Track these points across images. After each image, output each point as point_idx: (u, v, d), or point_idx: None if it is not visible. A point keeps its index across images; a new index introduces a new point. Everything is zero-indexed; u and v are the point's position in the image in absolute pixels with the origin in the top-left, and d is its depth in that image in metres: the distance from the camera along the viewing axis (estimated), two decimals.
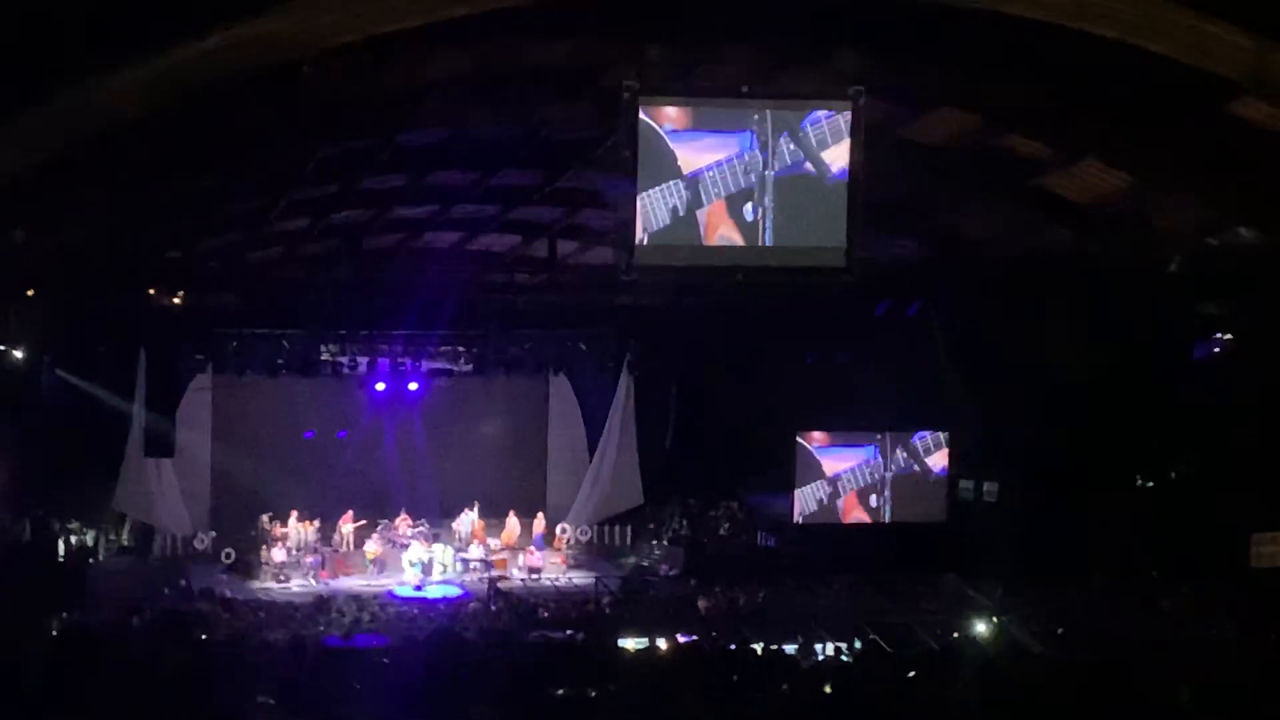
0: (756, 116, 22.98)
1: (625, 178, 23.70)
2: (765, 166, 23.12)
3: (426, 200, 33.30)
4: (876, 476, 33.60)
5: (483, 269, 37.17)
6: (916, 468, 33.62)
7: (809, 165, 23.34)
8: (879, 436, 33.59)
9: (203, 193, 28.69)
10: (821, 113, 23.04)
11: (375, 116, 26.79)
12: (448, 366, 37.19)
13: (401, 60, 23.03)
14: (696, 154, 22.67)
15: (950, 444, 33.38)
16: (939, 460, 33.74)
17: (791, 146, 23.25)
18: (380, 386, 36.60)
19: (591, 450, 38.21)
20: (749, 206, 22.93)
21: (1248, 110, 23.97)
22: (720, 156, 22.89)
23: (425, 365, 36.66)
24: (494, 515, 35.96)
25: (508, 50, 24.30)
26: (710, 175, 22.95)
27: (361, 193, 31.79)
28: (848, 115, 23.07)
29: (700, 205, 22.81)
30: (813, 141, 23.23)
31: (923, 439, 33.64)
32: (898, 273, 31.37)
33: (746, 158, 23.01)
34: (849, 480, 33.46)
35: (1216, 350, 30.92)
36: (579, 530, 37.42)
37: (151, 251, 32.38)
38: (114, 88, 19.73)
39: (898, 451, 33.57)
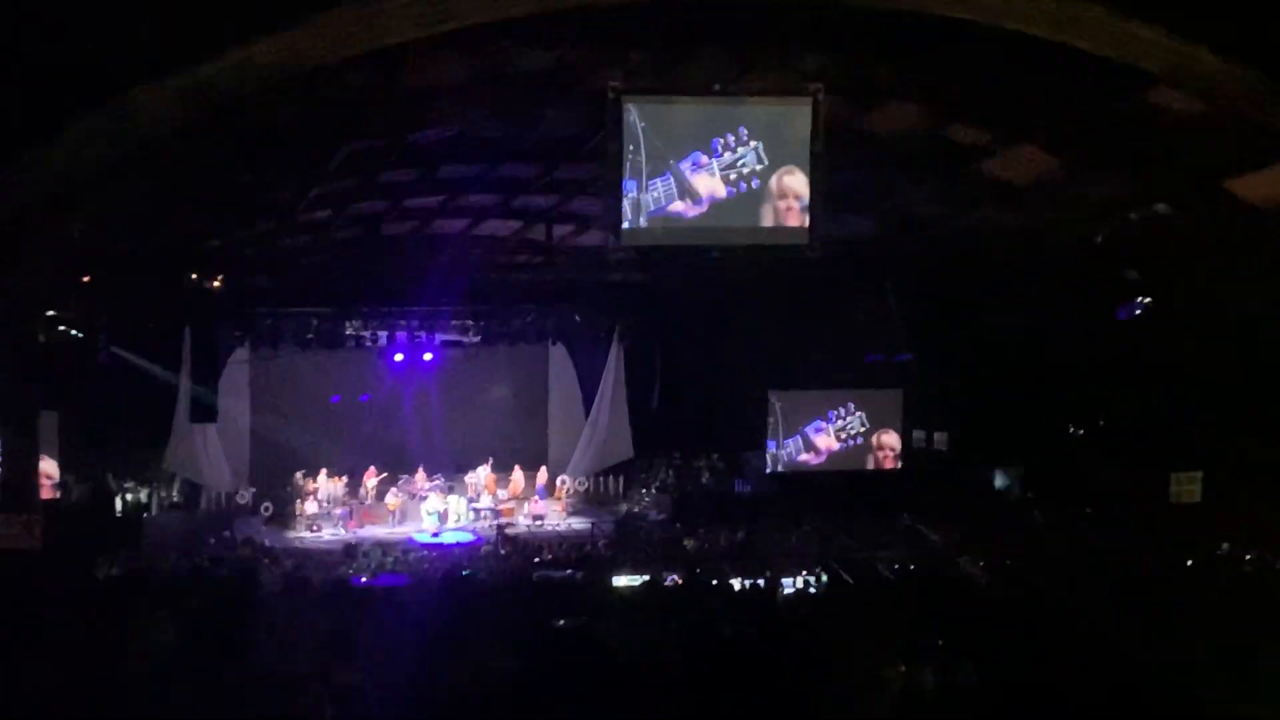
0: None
1: (611, 168, 23.79)
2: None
3: (436, 191, 33.16)
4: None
5: (487, 251, 37.03)
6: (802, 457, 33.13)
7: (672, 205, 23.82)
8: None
9: (238, 189, 28.65)
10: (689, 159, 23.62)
11: (388, 119, 26.73)
12: (458, 338, 37.20)
13: (409, 68, 22.99)
14: None
15: (904, 400, 33.28)
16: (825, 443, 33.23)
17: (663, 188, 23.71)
18: (398, 357, 36.61)
19: (587, 410, 38.30)
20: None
21: (1164, 98, 24.01)
22: None
23: (438, 337, 36.67)
24: (501, 469, 36.04)
25: (502, 58, 24.25)
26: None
27: (378, 185, 31.68)
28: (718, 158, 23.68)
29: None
30: (686, 178, 23.68)
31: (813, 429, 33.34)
32: (855, 248, 31.34)
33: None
34: None
35: (1138, 312, 30.97)
36: (577, 481, 37.53)
37: (194, 241, 32.34)
38: (149, 102, 19.74)
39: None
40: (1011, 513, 31.73)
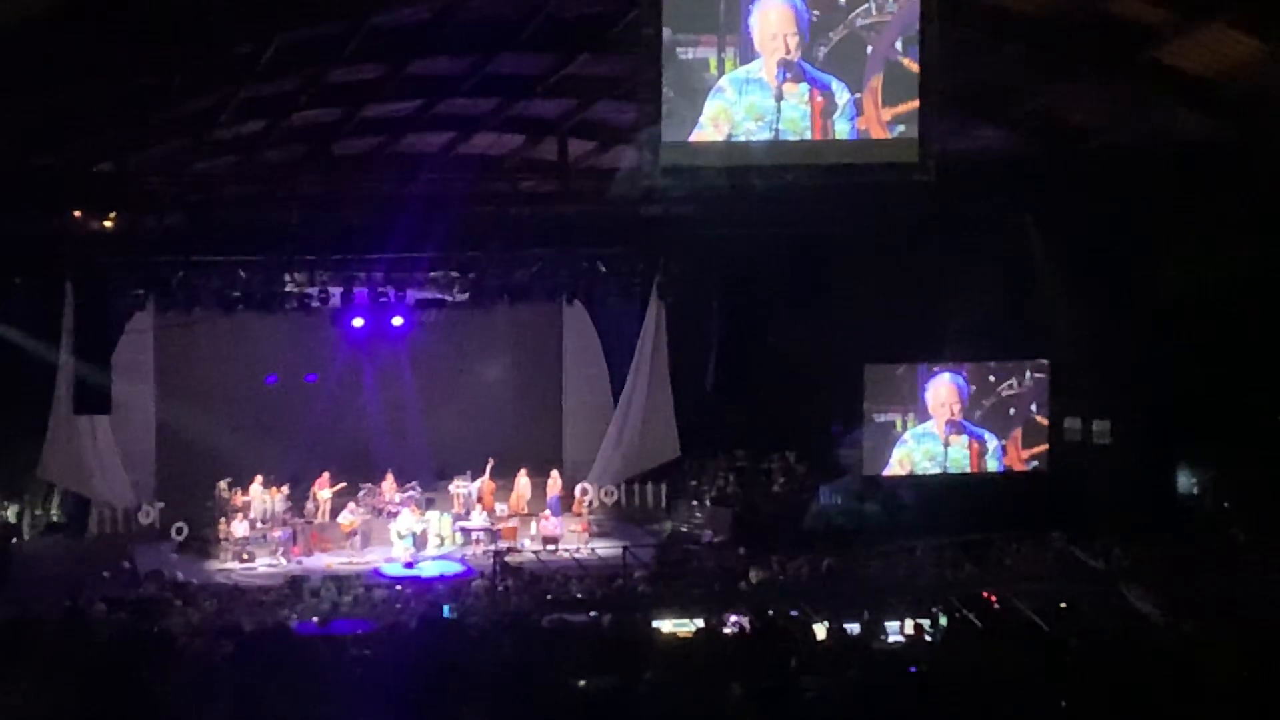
0: None
1: (649, 60, 23.75)
2: None
3: (408, 95, 33.28)
4: None
5: (479, 176, 37.11)
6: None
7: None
8: None
9: (136, 94, 28.72)
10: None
11: None
12: (439, 296, 37.25)
13: None
14: None
15: (1052, 375, 33.20)
16: None
17: None
18: (358, 322, 36.67)
19: (616, 394, 38.40)
20: None
21: None
22: None
23: (412, 295, 36.70)
24: (500, 475, 36.09)
25: None
26: None
27: (329, 88, 31.80)
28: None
29: None
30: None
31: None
32: (983, 169, 31.26)
33: None
34: None
35: None
36: (603, 491, 37.63)
37: (76, 165, 32.41)
38: None
39: None
40: (1200, 529, 31.62)
